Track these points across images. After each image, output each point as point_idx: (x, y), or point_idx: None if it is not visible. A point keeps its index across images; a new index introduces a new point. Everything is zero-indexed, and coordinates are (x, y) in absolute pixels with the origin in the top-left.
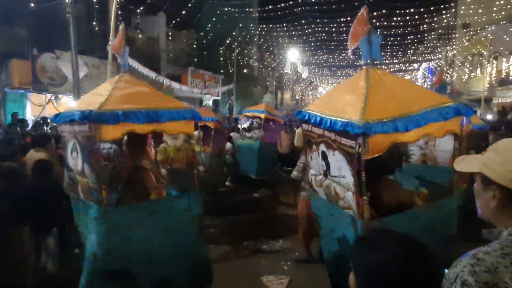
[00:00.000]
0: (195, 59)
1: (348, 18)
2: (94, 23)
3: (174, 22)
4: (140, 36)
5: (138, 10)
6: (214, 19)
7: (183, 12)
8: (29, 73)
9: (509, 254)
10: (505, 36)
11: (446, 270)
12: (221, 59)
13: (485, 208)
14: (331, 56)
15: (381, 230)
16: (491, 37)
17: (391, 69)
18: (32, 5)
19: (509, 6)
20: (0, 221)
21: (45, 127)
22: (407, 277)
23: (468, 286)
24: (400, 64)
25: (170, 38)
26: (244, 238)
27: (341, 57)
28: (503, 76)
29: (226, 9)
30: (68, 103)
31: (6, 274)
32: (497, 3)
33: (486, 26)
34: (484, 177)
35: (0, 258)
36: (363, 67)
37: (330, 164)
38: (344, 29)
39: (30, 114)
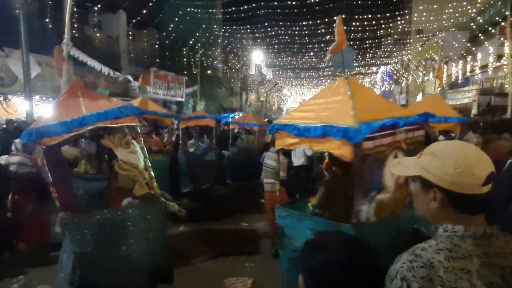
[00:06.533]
0: (158, 60)
1: (310, 22)
2: (48, 19)
3: (134, 21)
4: (98, 34)
5: (96, 8)
6: (176, 19)
7: (144, 11)
8: None
9: (443, 249)
10: (454, 42)
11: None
12: (185, 60)
13: (425, 209)
14: (294, 59)
15: (328, 232)
16: (441, 43)
17: (351, 72)
18: None
19: (457, 15)
20: None
21: None
22: (350, 278)
23: (406, 281)
24: (360, 68)
25: (131, 37)
26: (207, 242)
27: (303, 60)
28: (452, 80)
29: (188, 9)
30: (18, 104)
31: None
32: (446, 11)
33: (437, 33)
34: (423, 180)
35: None
36: None
37: None
38: (306, 32)
39: None
